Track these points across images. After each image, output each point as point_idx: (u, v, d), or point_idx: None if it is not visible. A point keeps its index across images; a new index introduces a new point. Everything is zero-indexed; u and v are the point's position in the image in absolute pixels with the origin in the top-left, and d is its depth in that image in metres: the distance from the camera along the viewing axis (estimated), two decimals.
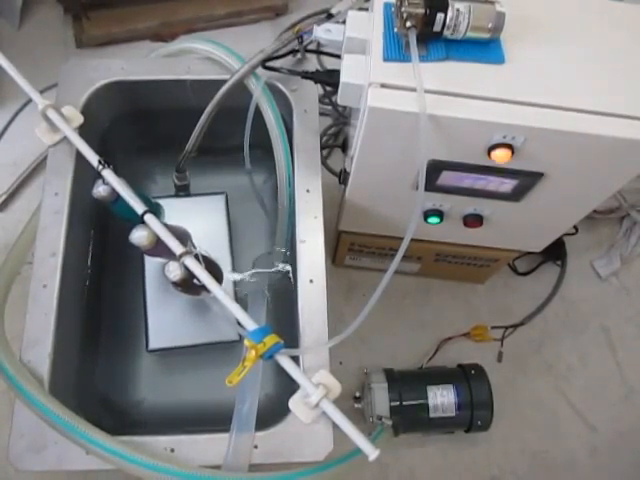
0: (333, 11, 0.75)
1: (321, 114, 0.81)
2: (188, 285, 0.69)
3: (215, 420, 0.68)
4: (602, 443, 1.03)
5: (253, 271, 0.80)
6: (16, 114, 1.21)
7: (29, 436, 0.61)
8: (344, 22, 0.68)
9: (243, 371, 0.59)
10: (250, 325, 0.62)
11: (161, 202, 0.86)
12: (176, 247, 0.66)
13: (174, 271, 0.66)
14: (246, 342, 0.60)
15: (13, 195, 1.13)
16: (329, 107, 1.19)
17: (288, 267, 0.76)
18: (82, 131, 0.76)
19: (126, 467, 0.58)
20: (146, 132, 0.94)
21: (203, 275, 0.65)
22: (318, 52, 0.86)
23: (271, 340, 0.60)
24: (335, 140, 1.22)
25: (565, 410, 1.05)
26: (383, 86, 0.58)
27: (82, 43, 1.27)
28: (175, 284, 0.69)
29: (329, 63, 1.12)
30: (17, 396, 0.61)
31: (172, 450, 0.62)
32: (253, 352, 0.59)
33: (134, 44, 1.30)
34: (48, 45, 1.29)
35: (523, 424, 1.03)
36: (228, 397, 0.67)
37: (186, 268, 0.66)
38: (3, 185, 1.13)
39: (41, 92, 0.75)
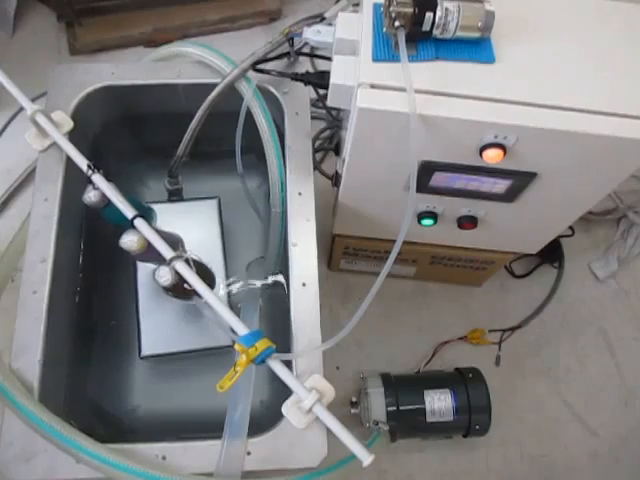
0: (327, 15, 0.74)
1: (315, 118, 0.81)
2: (179, 290, 0.68)
3: (210, 426, 0.67)
4: (602, 447, 1.02)
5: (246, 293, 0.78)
6: (10, 121, 1.20)
7: (18, 445, 0.60)
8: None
9: (235, 376, 0.58)
10: (241, 329, 0.62)
11: (154, 207, 0.85)
12: (166, 251, 0.66)
13: (164, 276, 0.65)
14: (237, 347, 0.59)
15: (6, 202, 1.13)
16: (323, 111, 1.19)
17: (281, 278, 0.75)
18: (73, 136, 0.76)
19: (117, 475, 0.57)
20: (138, 137, 0.94)
21: (194, 279, 0.65)
22: (311, 55, 0.86)
23: (263, 344, 0.59)
24: (330, 143, 1.22)
25: (564, 414, 1.04)
26: (373, 87, 0.57)
27: (75, 50, 1.27)
28: (166, 289, 0.68)
29: (322, 66, 1.12)
30: (5, 404, 0.60)
31: (164, 457, 0.61)
32: (244, 357, 0.58)
33: (128, 50, 1.30)
34: (41, 52, 1.29)
35: (522, 428, 1.02)
36: (223, 403, 0.66)
37: (177, 273, 0.66)
38: None
39: (34, 99, 0.75)
